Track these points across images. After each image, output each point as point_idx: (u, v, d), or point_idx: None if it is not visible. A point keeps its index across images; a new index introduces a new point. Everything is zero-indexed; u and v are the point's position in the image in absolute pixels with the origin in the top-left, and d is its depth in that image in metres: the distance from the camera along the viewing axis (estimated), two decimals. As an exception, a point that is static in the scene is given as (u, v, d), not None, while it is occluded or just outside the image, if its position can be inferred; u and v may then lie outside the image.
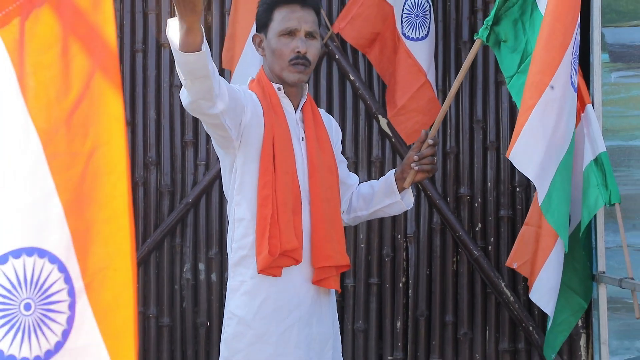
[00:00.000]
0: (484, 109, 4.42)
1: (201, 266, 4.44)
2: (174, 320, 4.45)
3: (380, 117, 4.39)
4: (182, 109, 4.41)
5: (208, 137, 4.30)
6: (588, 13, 4.13)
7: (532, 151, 3.08)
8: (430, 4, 4.16)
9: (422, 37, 4.10)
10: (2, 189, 1.74)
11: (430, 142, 2.79)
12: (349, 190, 2.96)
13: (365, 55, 4.31)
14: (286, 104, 2.76)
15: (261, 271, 2.63)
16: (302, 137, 2.77)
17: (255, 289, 2.67)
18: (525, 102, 2.99)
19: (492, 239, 4.41)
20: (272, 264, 2.63)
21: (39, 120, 1.85)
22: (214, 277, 4.42)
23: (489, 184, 4.41)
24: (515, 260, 4.05)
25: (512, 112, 4.38)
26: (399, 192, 2.86)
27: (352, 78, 4.40)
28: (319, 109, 2.93)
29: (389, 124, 4.35)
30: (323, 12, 4.27)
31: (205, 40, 2.32)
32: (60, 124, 1.84)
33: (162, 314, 4.44)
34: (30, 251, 1.69)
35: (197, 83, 2.35)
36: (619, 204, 3.79)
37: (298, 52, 2.67)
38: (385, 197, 2.88)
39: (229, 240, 2.75)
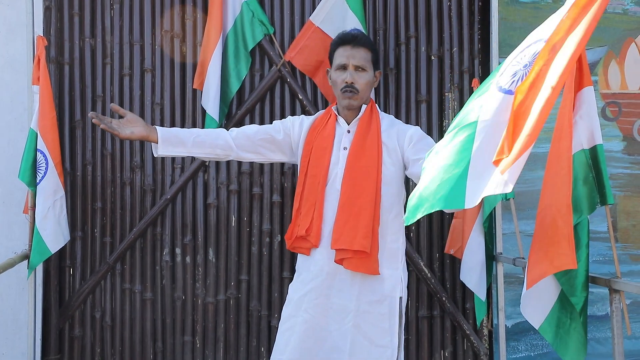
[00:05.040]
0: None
1: (177, 251, 4.44)
2: (155, 294, 4.45)
3: (323, 129, 4.44)
4: (162, 122, 4.46)
5: (183, 145, 4.47)
6: (488, 47, 4.32)
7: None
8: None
9: None
10: None
11: None
12: None
13: (311, 78, 4.36)
14: (341, 121, 2.98)
15: (292, 249, 2.92)
16: (345, 147, 2.93)
17: (297, 266, 3.00)
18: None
19: (413, 228, 4.41)
20: (295, 245, 2.88)
21: None
22: (188, 259, 4.42)
23: (410, 182, 4.28)
24: (451, 247, 4.23)
25: (430, 125, 4.43)
26: None
27: (300, 97, 4.40)
28: (393, 118, 3.09)
29: (330, 134, 4.44)
30: (277, 43, 4.41)
31: (161, 141, 2.78)
32: None
33: (145, 290, 4.44)
34: None
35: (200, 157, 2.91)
36: (513, 199, 3.97)
37: (346, 82, 2.90)
38: None
39: None
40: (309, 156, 2.89)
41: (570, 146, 3.15)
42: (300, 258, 2.99)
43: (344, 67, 2.92)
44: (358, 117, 2.98)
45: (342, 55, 2.93)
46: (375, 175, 2.90)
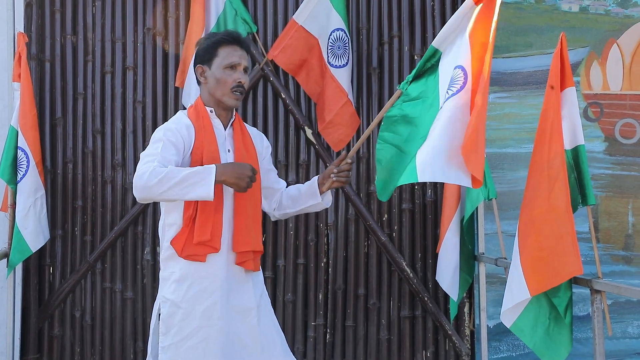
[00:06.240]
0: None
1: (159, 250, 4.39)
2: (136, 294, 4.42)
3: (306, 128, 4.40)
4: (144, 120, 4.44)
5: (165, 144, 4.42)
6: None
7: None
8: (349, 37, 4.22)
9: (343, 64, 4.17)
10: None
11: (348, 161, 2.91)
12: (277, 192, 3.04)
13: (294, 77, 4.32)
14: (217, 123, 2.83)
15: (186, 257, 2.70)
16: (229, 149, 2.82)
17: (182, 277, 2.73)
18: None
19: (395, 227, 4.42)
20: (192, 252, 2.70)
21: None
22: (169, 258, 4.43)
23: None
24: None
25: (412, 125, 4.47)
26: (320, 194, 2.95)
27: (283, 96, 4.40)
28: (253, 127, 3.04)
29: (313, 134, 4.38)
30: (260, 42, 4.38)
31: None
32: None
33: (126, 289, 4.41)
34: None
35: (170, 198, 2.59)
36: (496, 198, 3.94)
37: (239, 82, 2.78)
38: (309, 198, 2.96)
39: (160, 240, 2.82)
40: (201, 161, 2.73)
41: (563, 150, 3.11)
42: (186, 265, 2.75)
43: (234, 67, 2.82)
44: (233, 119, 2.91)
45: (234, 54, 2.82)
46: (259, 178, 2.91)
